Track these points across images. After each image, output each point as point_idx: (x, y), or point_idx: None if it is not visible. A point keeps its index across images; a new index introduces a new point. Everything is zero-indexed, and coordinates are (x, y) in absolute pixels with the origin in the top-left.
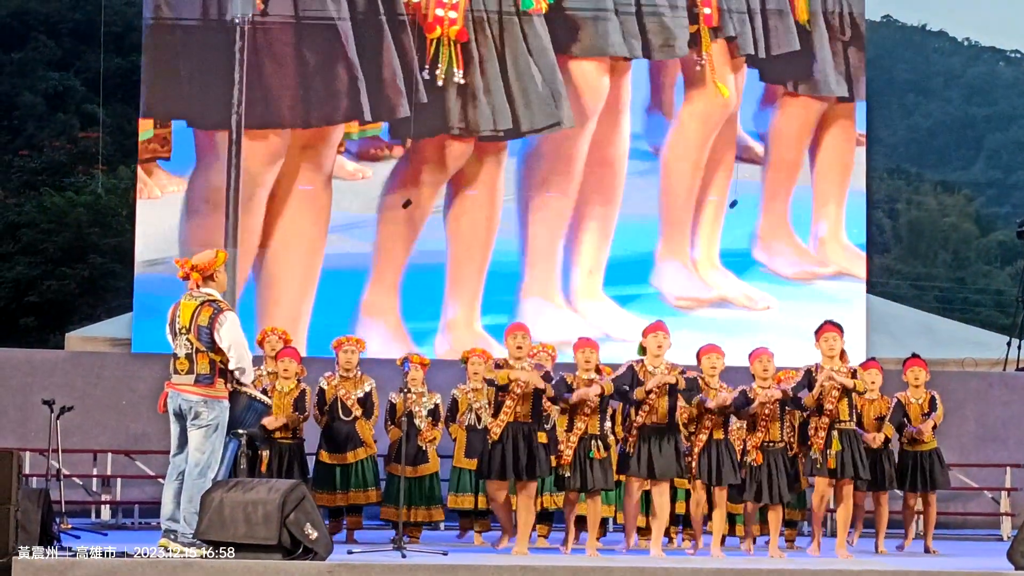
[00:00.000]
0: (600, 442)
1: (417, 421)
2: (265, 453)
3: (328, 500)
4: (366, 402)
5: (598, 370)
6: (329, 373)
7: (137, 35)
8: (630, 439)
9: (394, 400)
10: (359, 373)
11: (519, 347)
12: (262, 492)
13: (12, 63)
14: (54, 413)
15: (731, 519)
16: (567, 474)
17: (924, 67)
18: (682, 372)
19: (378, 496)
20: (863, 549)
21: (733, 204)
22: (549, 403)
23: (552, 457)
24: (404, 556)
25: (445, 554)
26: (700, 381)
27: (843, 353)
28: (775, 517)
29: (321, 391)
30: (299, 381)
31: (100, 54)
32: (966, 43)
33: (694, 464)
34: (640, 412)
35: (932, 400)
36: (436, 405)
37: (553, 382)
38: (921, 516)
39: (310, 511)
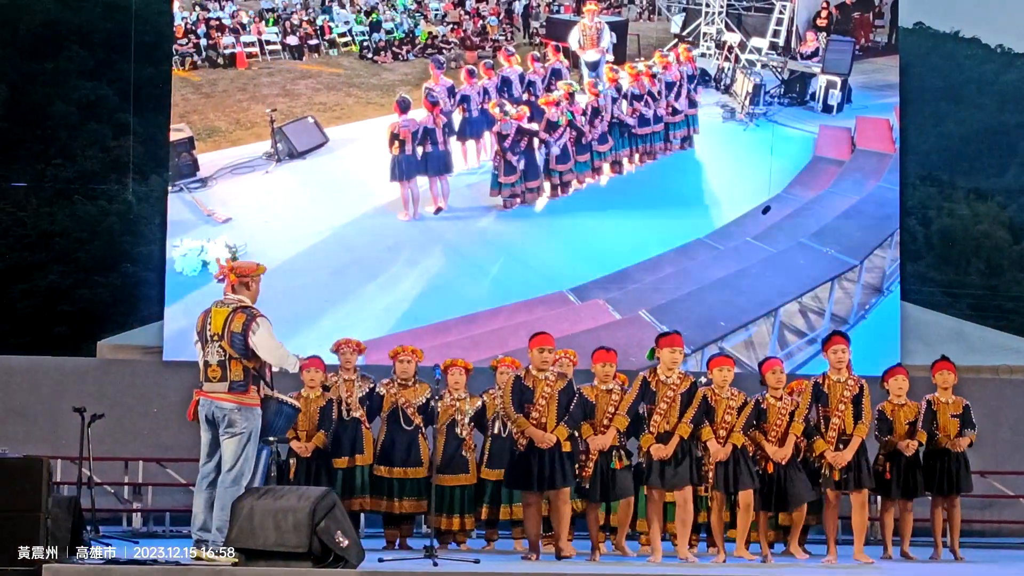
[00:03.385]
0: (622, 451)
1: (458, 430)
2: (292, 461)
3: (385, 506)
4: (427, 409)
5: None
6: (387, 380)
7: (169, 44)
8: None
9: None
10: (416, 380)
11: (544, 360)
12: (292, 500)
13: (45, 73)
14: (85, 421)
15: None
16: (587, 486)
17: (956, 74)
18: (695, 382)
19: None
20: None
21: (766, 210)
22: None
23: (576, 466)
24: (436, 564)
25: (477, 562)
26: (709, 391)
27: (848, 364)
28: (798, 516)
29: (380, 398)
30: (325, 389)
31: (132, 63)
32: (999, 50)
33: (711, 474)
34: (653, 423)
35: (966, 409)
36: (477, 412)
37: (571, 405)
38: (947, 524)
39: (341, 519)
